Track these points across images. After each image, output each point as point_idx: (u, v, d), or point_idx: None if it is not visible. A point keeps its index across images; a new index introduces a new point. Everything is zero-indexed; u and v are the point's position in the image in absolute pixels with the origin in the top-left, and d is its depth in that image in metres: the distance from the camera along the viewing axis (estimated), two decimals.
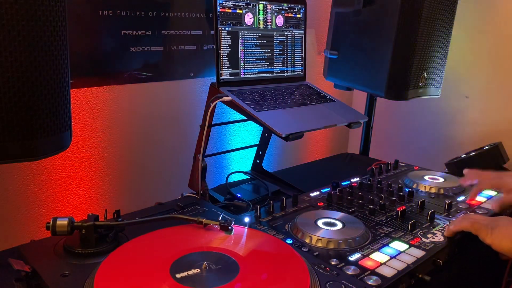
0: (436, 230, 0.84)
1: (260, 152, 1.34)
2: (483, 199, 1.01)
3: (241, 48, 1.12)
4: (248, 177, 1.33)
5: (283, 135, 0.97)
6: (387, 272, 0.69)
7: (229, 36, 1.09)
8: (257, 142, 1.34)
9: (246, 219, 0.85)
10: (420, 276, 0.71)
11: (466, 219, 0.81)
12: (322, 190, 1.05)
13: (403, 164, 1.27)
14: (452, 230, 0.81)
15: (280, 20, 1.20)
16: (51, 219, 0.71)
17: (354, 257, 0.73)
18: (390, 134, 1.88)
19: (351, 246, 0.76)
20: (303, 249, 0.75)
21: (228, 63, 1.09)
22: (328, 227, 0.82)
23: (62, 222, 0.71)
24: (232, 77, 1.11)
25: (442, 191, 1.05)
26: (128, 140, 1.28)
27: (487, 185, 0.99)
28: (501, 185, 0.94)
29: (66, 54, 0.71)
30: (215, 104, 1.03)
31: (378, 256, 0.74)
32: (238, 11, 1.10)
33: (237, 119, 1.33)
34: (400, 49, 1.28)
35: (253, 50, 1.15)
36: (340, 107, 1.20)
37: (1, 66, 0.62)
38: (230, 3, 1.08)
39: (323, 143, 1.96)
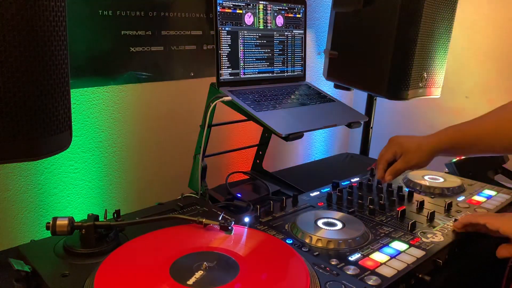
0: (436, 230, 0.84)
1: (260, 152, 1.34)
2: (483, 199, 1.01)
3: (241, 48, 1.12)
4: (248, 177, 1.33)
5: (283, 135, 0.97)
6: (387, 272, 0.69)
7: (229, 36, 1.09)
8: (257, 142, 1.34)
9: (246, 219, 0.85)
10: (420, 276, 0.71)
11: (473, 214, 0.83)
12: (322, 190, 1.05)
13: None
14: (461, 222, 0.82)
15: (280, 20, 1.20)
16: (51, 219, 0.71)
17: (354, 257, 0.73)
18: (390, 134, 1.87)
19: (351, 246, 0.76)
20: (303, 249, 0.75)
21: (228, 63, 1.09)
22: (328, 227, 0.82)
23: (62, 222, 0.71)
24: (232, 77, 1.11)
25: (442, 191, 1.05)
26: (128, 140, 1.28)
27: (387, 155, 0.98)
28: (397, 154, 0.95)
29: (66, 54, 0.71)
30: (215, 104, 1.03)
31: (378, 256, 0.73)
32: (238, 11, 1.10)
33: (237, 119, 1.33)
34: (400, 49, 1.28)
35: (253, 50, 1.15)
36: (340, 107, 1.20)
37: (1, 66, 0.62)
38: (230, 3, 1.08)
39: (323, 143, 1.96)
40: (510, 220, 0.75)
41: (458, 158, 1.33)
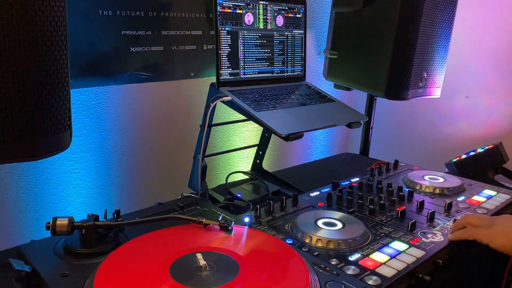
0: (436, 230, 0.84)
1: (260, 152, 1.34)
2: (483, 199, 1.01)
3: (241, 48, 1.12)
4: (248, 177, 1.33)
5: (283, 135, 0.97)
6: (387, 272, 0.69)
7: (229, 36, 1.09)
8: (257, 142, 1.34)
9: (246, 219, 0.85)
10: (420, 276, 0.71)
11: (463, 230, 0.81)
12: (322, 190, 1.05)
13: (403, 164, 1.27)
14: (451, 239, 0.81)
15: (280, 20, 1.20)
16: (51, 219, 0.71)
17: (354, 257, 0.73)
18: (390, 134, 1.88)
19: (351, 246, 0.76)
20: (303, 249, 0.75)
21: (228, 63, 1.09)
22: (328, 227, 0.82)
23: (62, 222, 0.71)
24: (232, 77, 1.11)
25: (442, 191, 1.05)
26: (128, 140, 1.28)
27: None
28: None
29: (66, 54, 0.71)
30: (215, 104, 1.03)
31: (378, 256, 0.73)
32: (238, 11, 1.10)
33: (237, 119, 1.33)
34: (400, 49, 1.28)
35: (253, 50, 1.15)
36: (340, 107, 1.20)
37: (1, 66, 0.62)
38: (230, 3, 1.08)
39: (323, 143, 1.96)
40: (497, 234, 0.76)
41: (458, 158, 1.33)
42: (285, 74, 1.24)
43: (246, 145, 1.47)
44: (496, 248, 0.75)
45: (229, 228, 0.75)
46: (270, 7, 1.17)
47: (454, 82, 1.61)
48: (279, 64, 1.22)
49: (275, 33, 1.19)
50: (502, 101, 1.56)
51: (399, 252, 0.75)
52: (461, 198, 1.02)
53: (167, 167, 1.38)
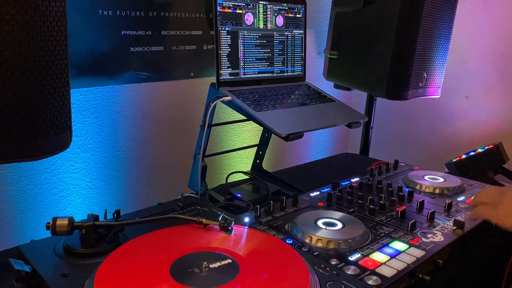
0: (436, 230, 0.84)
1: (260, 152, 1.34)
2: None
3: (241, 48, 1.12)
4: (248, 177, 1.33)
5: (283, 135, 0.97)
6: (387, 272, 0.69)
7: (229, 36, 1.09)
8: (257, 142, 1.34)
9: (246, 219, 0.85)
10: (420, 276, 0.71)
11: (474, 210, 0.80)
12: (322, 190, 1.05)
13: (403, 164, 1.27)
14: (469, 220, 0.80)
15: (280, 20, 1.20)
16: (51, 219, 0.71)
17: (354, 257, 0.73)
18: (390, 134, 1.88)
19: (351, 246, 0.76)
20: (303, 249, 0.75)
21: (228, 63, 1.09)
22: (328, 227, 0.82)
23: (62, 222, 0.71)
24: (232, 77, 1.11)
25: (442, 191, 1.05)
26: (128, 140, 1.28)
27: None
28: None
29: (66, 54, 0.71)
30: (215, 104, 1.03)
31: (378, 256, 0.73)
32: (238, 11, 1.10)
33: (237, 119, 1.33)
34: (400, 49, 1.28)
35: (253, 50, 1.15)
36: (340, 107, 1.20)
37: (1, 66, 0.62)
38: (230, 3, 1.08)
39: (323, 143, 1.96)
40: (505, 215, 0.73)
41: (458, 158, 1.33)
42: (285, 74, 1.24)
43: (246, 145, 1.47)
44: (506, 228, 0.72)
45: (229, 228, 0.75)
46: (270, 7, 1.17)
47: (454, 82, 1.61)
48: (279, 64, 1.22)
49: (275, 33, 1.19)
50: (502, 101, 1.56)
51: (399, 252, 0.75)
52: (461, 198, 1.02)
53: (167, 167, 1.38)
